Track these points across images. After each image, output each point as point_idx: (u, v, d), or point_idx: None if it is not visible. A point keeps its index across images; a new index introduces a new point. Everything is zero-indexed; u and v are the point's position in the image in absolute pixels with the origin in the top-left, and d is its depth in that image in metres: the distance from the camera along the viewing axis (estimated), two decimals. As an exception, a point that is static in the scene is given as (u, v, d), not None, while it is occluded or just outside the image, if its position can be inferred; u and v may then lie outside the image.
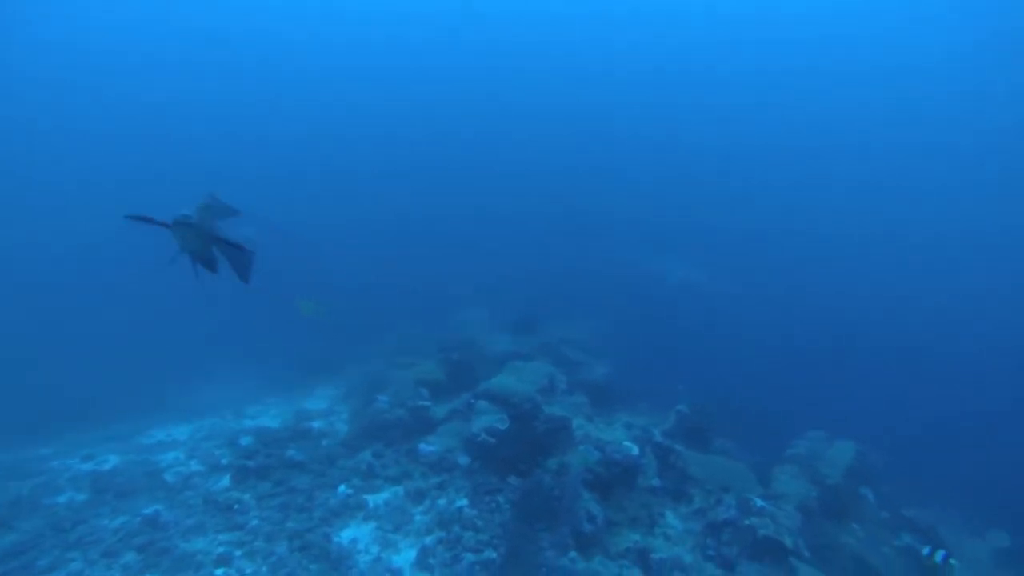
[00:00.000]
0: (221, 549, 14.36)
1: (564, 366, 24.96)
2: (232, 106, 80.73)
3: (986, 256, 56.93)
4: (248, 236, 9.38)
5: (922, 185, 72.42)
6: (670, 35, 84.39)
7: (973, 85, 72.60)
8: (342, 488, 17.19)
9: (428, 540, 14.98)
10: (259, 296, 28.85)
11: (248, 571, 13.70)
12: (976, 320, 43.35)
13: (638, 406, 24.38)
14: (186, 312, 32.59)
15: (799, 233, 61.20)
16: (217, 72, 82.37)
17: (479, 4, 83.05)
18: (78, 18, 73.33)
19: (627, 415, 23.21)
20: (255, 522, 15.53)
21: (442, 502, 16.59)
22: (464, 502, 16.45)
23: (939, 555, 14.00)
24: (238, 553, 14.26)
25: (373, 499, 16.84)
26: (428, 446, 18.85)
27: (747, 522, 14.87)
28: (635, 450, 17.48)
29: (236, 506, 16.25)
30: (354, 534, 15.31)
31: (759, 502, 15.52)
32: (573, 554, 13.88)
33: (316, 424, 22.57)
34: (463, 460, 18.16)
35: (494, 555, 14.31)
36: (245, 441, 20.34)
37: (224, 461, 19.09)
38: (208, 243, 9.03)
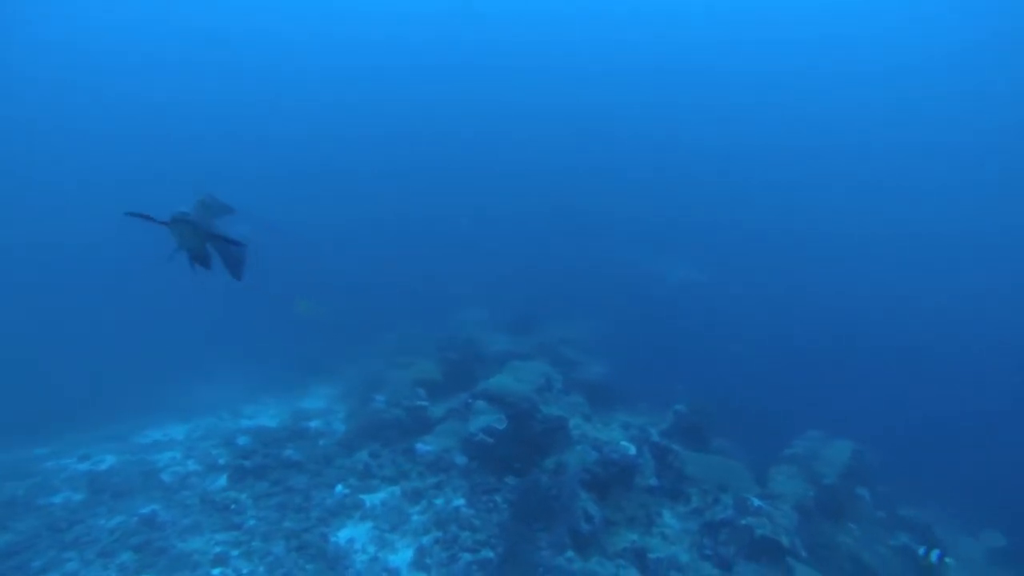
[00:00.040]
0: (218, 549, 14.36)
1: (562, 366, 24.86)
2: (231, 106, 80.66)
3: (986, 256, 56.80)
4: (243, 234, 9.40)
5: (922, 185, 72.26)
6: (670, 34, 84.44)
7: (973, 85, 72.64)
8: (339, 488, 17.20)
9: (425, 540, 14.98)
10: (257, 295, 28.93)
11: (245, 571, 13.70)
12: (976, 320, 43.29)
13: (636, 406, 24.38)
14: (183, 311, 32.62)
15: (799, 233, 61.07)
16: (216, 72, 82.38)
17: (479, 3, 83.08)
18: (78, 18, 73.38)
19: (625, 415, 23.21)
20: (252, 522, 15.53)
21: (439, 502, 16.58)
22: (461, 502, 16.46)
23: (934, 555, 14.06)
24: (235, 553, 14.27)
25: (370, 499, 16.83)
26: (425, 446, 18.83)
27: (744, 522, 14.86)
28: (632, 450, 17.48)
29: (233, 506, 16.26)
30: (351, 534, 15.30)
31: (756, 502, 15.50)
32: (570, 554, 13.86)
33: (313, 424, 22.57)
34: (460, 460, 18.14)
35: (491, 555, 14.30)
36: (242, 441, 20.33)
37: (221, 461, 19.08)
38: (205, 240, 9.05)
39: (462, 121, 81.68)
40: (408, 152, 76.54)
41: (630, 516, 16.03)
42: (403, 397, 21.21)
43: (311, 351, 30.48)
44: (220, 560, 13.95)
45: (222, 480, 17.83)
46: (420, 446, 18.85)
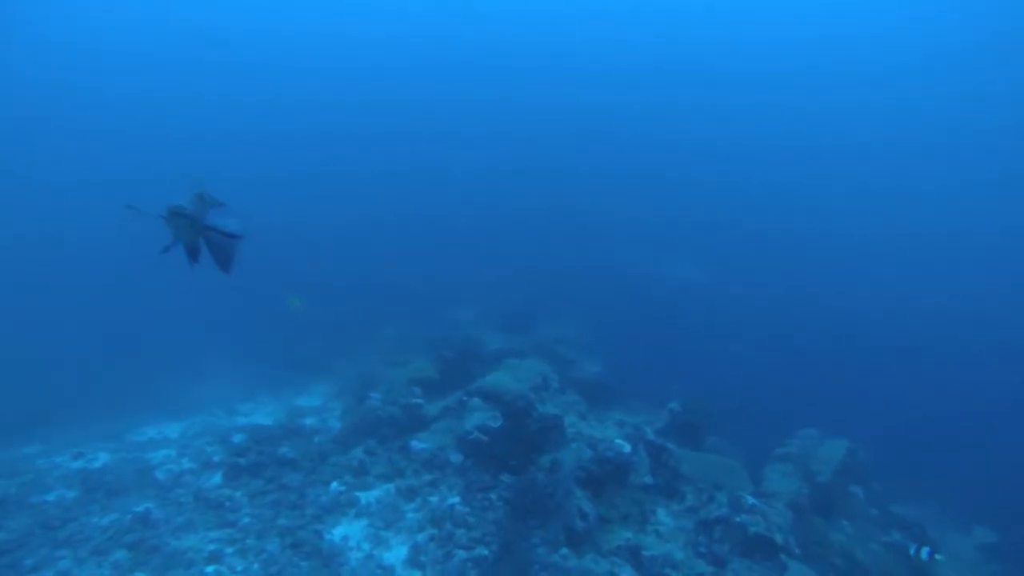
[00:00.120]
0: (212, 546, 14.35)
1: (558, 364, 24.89)
2: (230, 105, 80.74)
3: (986, 256, 56.74)
4: (233, 228, 9.41)
5: (922, 185, 72.20)
6: (670, 34, 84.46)
7: (973, 85, 72.60)
8: (334, 485, 17.22)
9: (420, 537, 15.00)
10: (253, 294, 28.91)
11: (239, 568, 13.70)
12: (975, 320, 43.25)
13: (632, 404, 24.39)
14: (180, 309, 32.62)
15: (799, 233, 61.04)
16: (215, 71, 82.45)
17: (479, 3, 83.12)
18: (78, 18, 73.43)
19: (620, 413, 23.23)
20: (246, 519, 15.52)
21: (434, 499, 16.59)
22: (456, 499, 16.47)
23: (924, 552, 14.08)
24: (229, 550, 14.26)
25: (365, 496, 16.84)
26: (420, 443, 18.83)
27: (738, 519, 14.87)
28: (627, 448, 17.45)
29: (227, 503, 16.25)
30: (346, 531, 15.31)
31: (750, 500, 15.51)
32: (565, 551, 13.83)
33: (309, 421, 22.61)
34: (455, 458, 18.14)
35: (486, 552, 14.32)
36: (237, 438, 20.34)
37: (216, 458, 19.08)
38: (200, 233, 9.08)
39: (461, 121, 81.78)
40: (406, 151, 76.60)
41: (625, 514, 16.00)
42: (399, 395, 21.20)
43: (307, 349, 30.46)
44: (214, 558, 13.94)
45: (217, 478, 17.82)
46: (415, 444, 18.85)
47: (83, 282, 37.80)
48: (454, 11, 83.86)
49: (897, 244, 59.22)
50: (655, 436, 19.14)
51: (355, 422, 20.65)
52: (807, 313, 40.73)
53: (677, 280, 41.62)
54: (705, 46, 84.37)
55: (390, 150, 76.83)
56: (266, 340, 30.64)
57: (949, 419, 27.39)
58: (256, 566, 13.73)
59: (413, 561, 14.19)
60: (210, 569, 13.54)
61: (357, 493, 16.92)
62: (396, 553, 14.52)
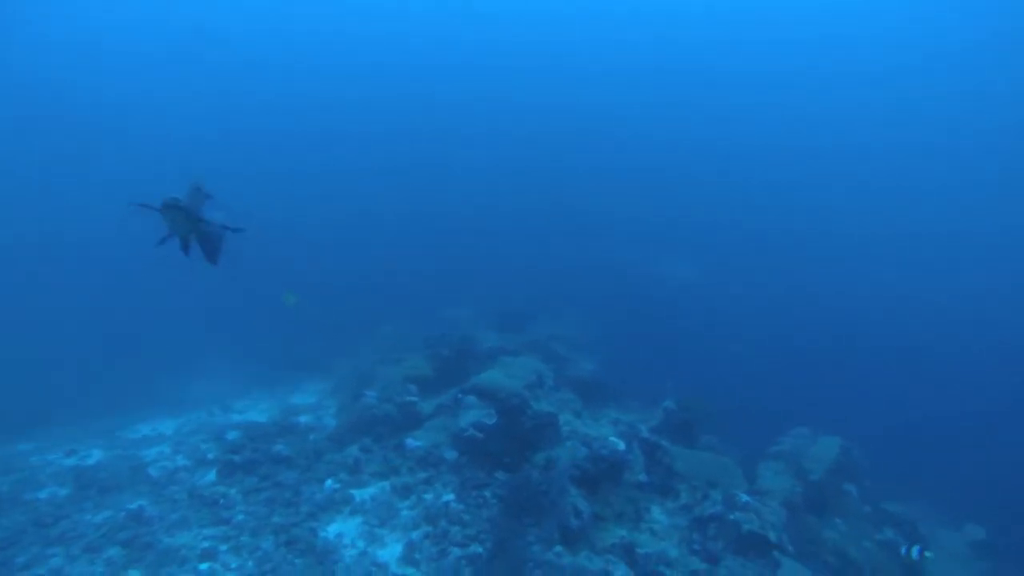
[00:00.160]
0: (206, 544, 14.31)
1: (553, 362, 24.95)
2: (229, 104, 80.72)
3: (986, 256, 56.77)
4: (220, 221, 9.46)
5: (922, 185, 72.27)
6: (670, 34, 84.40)
7: (973, 85, 72.57)
8: (329, 483, 17.18)
9: (415, 535, 14.94)
10: (250, 292, 28.89)
11: (233, 566, 13.65)
12: (975, 320, 43.28)
13: (627, 402, 24.39)
14: (176, 308, 32.65)
15: (799, 233, 61.11)
16: (214, 70, 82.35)
17: (479, 2, 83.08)
18: (78, 18, 73.37)
19: (615, 411, 23.24)
20: (241, 517, 15.48)
21: (429, 497, 16.55)
22: (451, 497, 16.43)
23: (915, 551, 14.10)
24: (223, 547, 14.22)
25: (360, 494, 16.79)
26: (415, 441, 18.81)
27: (732, 517, 14.84)
28: (622, 446, 17.43)
29: (222, 501, 16.22)
30: (340, 529, 15.25)
31: (744, 497, 15.49)
32: (559, 549, 13.78)
33: (304, 419, 22.63)
34: (450, 455, 18.12)
35: (480, 550, 14.28)
36: (232, 436, 20.37)
37: (210, 456, 19.10)
38: (196, 226, 9.15)
39: (460, 120, 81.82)
40: (406, 151, 76.64)
41: (619, 512, 15.96)
42: (394, 393, 21.22)
43: (304, 347, 30.50)
44: (208, 555, 13.89)
45: (211, 475, 17.82)
46: (410, 441, 18.82)
47: (81, 281, 37.89)
48: (454, 10, 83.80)
49: (897, 244, 59.35)
50: (650, 434, 19.12)
51: (350, 420, 20.65)
52: (807, 313, 40.79)
53: (675, 280, 41.68)
54: (705, 46, 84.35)
55: (389, 149, 76.95)
56: (262, 338, 30.71)
57: (948, 419, 27.43)
58: (250, 563, 13.68)
59: (408, 559, 14.13)
60: (204, 566, 13.49)
61: (352, 491, 16.87)
62: (391, 551, 14.46)
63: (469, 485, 16.85)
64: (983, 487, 20.87)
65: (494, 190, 66.75)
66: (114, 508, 15.64)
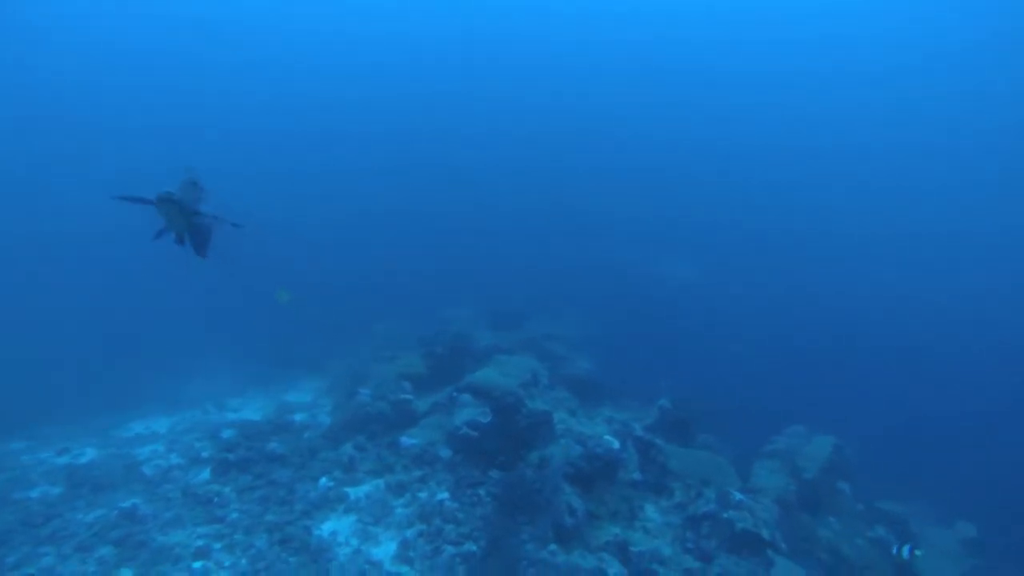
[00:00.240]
0: (200, 542, 14.30)
1: (548, 361, 24.90)
2: (228, 103, 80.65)
3: (986, 256, 56.73)
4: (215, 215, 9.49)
5: (922, 185, 72.22)
6: (670, 34, 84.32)
7: (973, 85, 72.51)
8: (323, 481, 17.18)
9: (409, 533, 14.95)
10: (246, 291, 28.83)
11: (227, 564, 13.64)
12: (975, 320, 43.25)
13: (622, 401, 24.38)
14: (172, 307, 32.62)
15: (799, 233, 61.09)
16: (210, 69, 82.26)
17: (478, 2, 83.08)
18: (76, 17, 73.36)
19: (610, 410, 23.20)
20: (235, 515, 15.49)
21: (423, 495, 16.54)
22: (445, 495, 16.41)
23: (905, 550, 14.12)
24: (217, 546, 14.22)
25: (354, 492, 16.79)
26: (410, 439, 18.80)
27: (726, 515, 14.82)
28: (616, 444, 17.44)
29: (216, 499, 16.23)
30: (334, 527, 15.26)
31: (738, 496, 15.47)
32: (553, 547, 13.76)
33: (298, 417, 22.64)
34: (445, 453, 18.11)
35: (474, 548, 14.27)
36: (226, 434, 20.39)
37: (205, 454, 19.10)
38: (191, 220, 9.17)
39: (460, 120, 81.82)
40: (405, 150, 76.69)
41: (613, 510, 15.95)
42: (388, 391, 21.23)
43: (299, 346, 30.48)
44: (202, 553, 13.87)
45: (205, 473, 17.82)
46: (405, 439, 18.82)
47: (77, 280, 37.83)
48: (453, 10, 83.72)
49: (897, 244, 59.26)
50: (644, 432, 19.12)
51: (345, 418, 20.68)
52: (807, 313, 40.75)
53: (673, 279, 41.66)
54: (705, 46, 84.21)
55: (389, 149, 76.97)
56: (258, 337, 30.69)
57: (947, 419, 27.39)
58: (244, 561, 13.68)
59: (402, 556, 14.13)
60: (197, 565, 13.47)
61: (346, 489, 16.88)
62: (385, 548, 14.46)
63: (463, 483, 16.85)
64: (982, 487, 20.85)
65: (493, 190, 66.80)
66: (107, 507, 15.62)
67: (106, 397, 23.76)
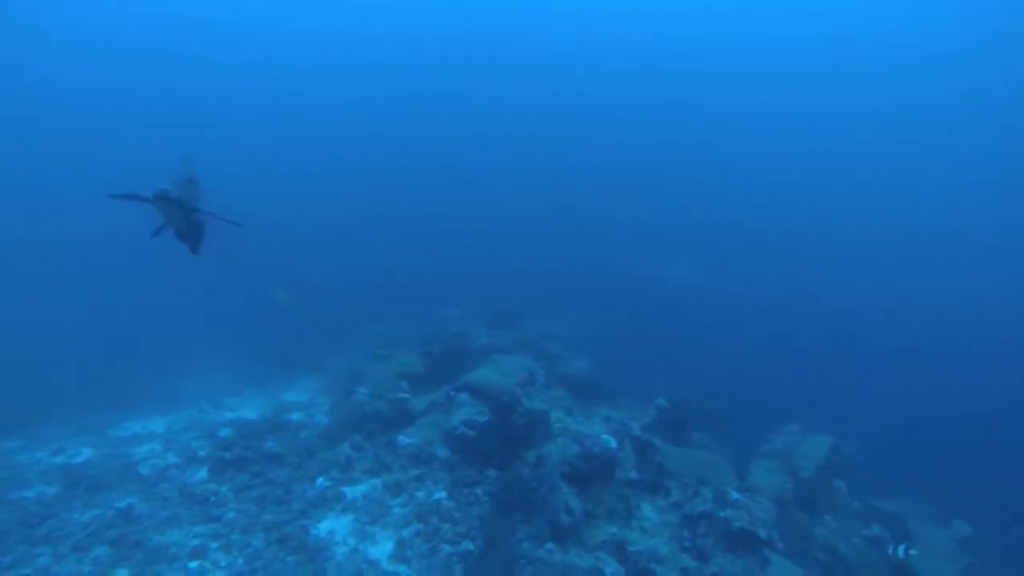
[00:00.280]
0: (196, 541, 14.24)
1: (545, 360, 24.96)
2: (227, 102, 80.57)
3: (986, 256, 56.73)
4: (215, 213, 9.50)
5: (922, 185, 72.24)
6: (670, 34, 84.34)
7: (973, 85, 72.52)
8: (320, 480, 17.15)
9: (406, 532, 14.91)
10: (244, 290, 28.78)
11: (223, 563, 13.59)
12: (976, 320, 43.25)
13: (619, 400, 24.34)
14: (169, 306, 32.60)
15: (799, 233, 61.10)
16: (210, 69, 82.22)
17: (477, 1, 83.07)
18: (75, 16, 73.36)
19: (608, 409, 23.14)
20: (232, 514, 15.44)
21: (420, 494, 16.50)
22: (442, 494, 16.38)
23: (901, 550, 14.15)
24: (214, 545, 14.16)
25: (351, 491, 16.76)
26: (407, 438, 18.78)
27: (723, 514, 14.82)
28: (613, 443, 17.44)
29: (213, 498, 16.18)
30: (332, 526, 15.22)
31: (735, 495, 15.48)
32: (550, 546, 13.74)
33: (296, 416, 22.60)
34: (442, 452, 18.09)
35: (471, 547, 14.24)
36: (224, 433, 20.37)
37: (202, 453, 19.06)
38: (189, 217, 9.17)
39: (459, 120, 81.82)
40: (403, 150, 76.71)
41: (610, 509, 15.93)
42: (386, 390, 21.24)
43: (296, 345, 30.45)
44: (198, 553, 13.82)
45: (202, 472, 17.78)
46: (402, 439, 18.80)
47: (76, 280, 37.79)
48: (453, 10, 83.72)
49: (897, 244, 59.25)
50: (641, 432, 19.11)
51: (342, 417, 20.65)
52: (806, 313, 40.73)
53: (671, 279, 41.65)
54: (705, 46, 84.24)
55: (389, 148, 76.95)
56: (255, 336, 30.65)
57: (947, 418, 27.40)
58: (240, 561, 13.63)
59: (399, 556, 14.10)
60: (194, 564, 13.43)
61: (343, 488, 16.85)
62: (382, 548, 14.43)
63: (461, 483, 16.81)
64: (981, 486, 20.86)
65: (492, 189, 66.82)
66: (103, 506, 15.56)
67: (102, 396, 23.68)
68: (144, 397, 24.26)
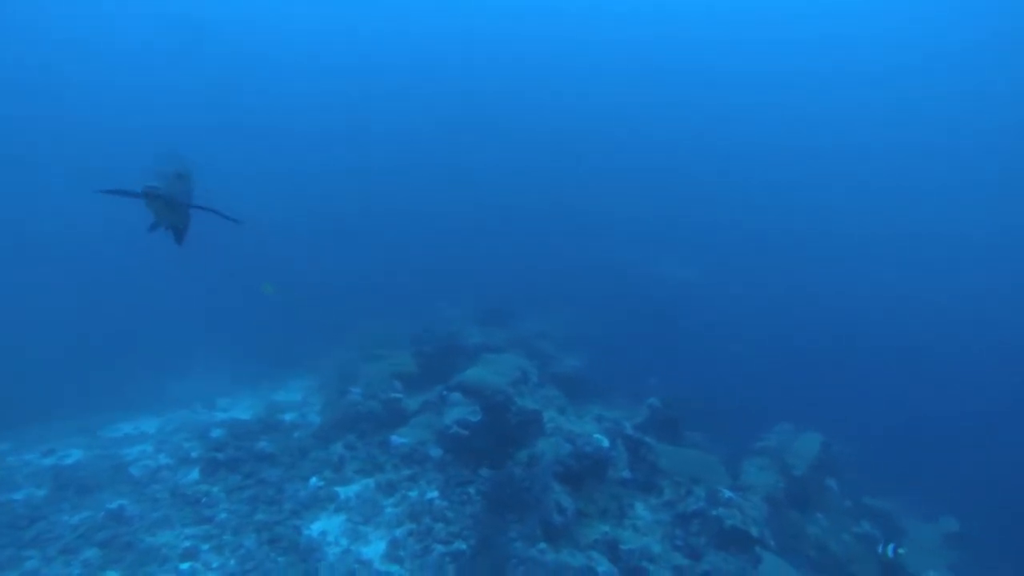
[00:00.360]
0: (187, 543, 14.21)
1: (538, 359, 24.93)
2: (225, 101, 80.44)
3: (986, 256, 56.72)
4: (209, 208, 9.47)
5: (922, 185, 72.22)
6: (670, 34, 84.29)
7: (973, 85, 72.42)
8: (313, 480, 17.13)
9: (398, 532, 14.92)
10: (235, 289, 28.70)
11: (215, 565, 13.57)
12: (976, 320, 43.26)
13: (611, 400, 24.32)
14: (162, 306, 32.56)
15: (799, 233, 61.09)
16: (205, 66, 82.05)
17: (476, 1, 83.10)
18: (73, 15, 73.43)
19: (600, 408, 23.13)
20: (223, 515, 15.40)
21: (413, 494, 16.51)
22: (435, 494, 16.38)
23: (890, 549, 14.16)
24: (205, 546, 14.13)
25: (344, 491, 16.75)
26: (400, 438, 18.74)
27: (715, 513, 14.85)
28: (606, 442, 17.43)
29: (204, 499, 16.14)
30: (324, 526, 15.22)
31: (727, 493, 15.50)
32: (543, 545, 13.72)
33: (288, 416, 22.56)
34: (435, 452, 18.06)
35: (464, 547, 14.25)
36: (216, 434, 20.31)
37: (194, 454, 19.01)
38: (181, 212, 9.16)
39: (459, 119, 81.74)
40: (404, 149, 76.69)
41: (603, 508, 15.93)
42: (379, 389, 21.19)
43: (289, 344, 30.40)
44: (189, 554, 13.78)
45: (194, 473, 17.73)
46: (395, 438, 18.77)
47: (74, 280, 37.72)
48: (452, 9, 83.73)
49: (897, 244, 59.25)
50: (634, 431, 19.10)
51: (335, 417, 20.62)
52: (806, 313, 40.73)
53: (672, 279, 41.63)
54: (705, 46, 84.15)
55: (388, 149, 76.99)
56: (248, 335, 30.60)
57: (947, 418, 27.42)
58: (232, 562, 13.61)
59: (391, 556, 14.10)
60: (185, 566, 13.40)
61: (336, 488, 16.83)
62: (374, 548, 14.43)
63: (453, 482, 16.82)
64: (981, 486, 20.85)
65: (492, 189, 66.78)
66: (93, 508, 15.50)
67: (94, 397, 23.60)
68: (136, 398, 24.19)
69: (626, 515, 15.87)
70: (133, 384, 24.96)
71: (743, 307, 39.58)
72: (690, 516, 15.20)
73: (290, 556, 13.85)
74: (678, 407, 21.11)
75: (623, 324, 32.03)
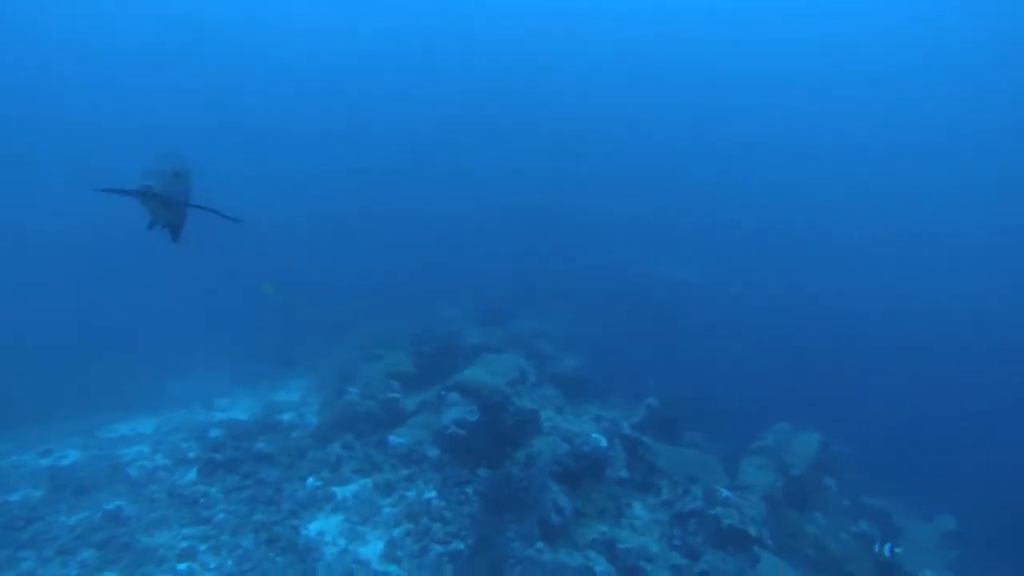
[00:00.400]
0: (185, 543, 14.19)
1: (535, 359, 25.02)
2: (225, 101, 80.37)
3: (986, 256, 56.66)
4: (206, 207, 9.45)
5: (922, 185, 72.12)
6: (670, 34, 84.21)
7: (973, 85, 72.36)
8: (311, 480, 17.14)
9: (396, 532, 14.93)
10: (235, 289, 28.67)
11: (212, 565, 13.57)
12: (976, 320, 43.22)
13: (609, 399, 24.36)
14: (161, 306, 32.54)
15: (799, 233, 61.01)
16: (205, 66, 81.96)
17: (478, 1, 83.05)
18: (72, 14, 73.40)
19: (598, 408, 23.16)
20: (221, 515, 15.39)
21: (411, 494, 16.51)
22: (433, 494, 16.38)
23: (887, 549, 14.18)
24: (203, 547, 14.12)
25: (342, 491, 16.76)
26: (398, 438, 18.76)
27: (713, 512, 14.84)
28: (603, 442, 17.43)
29: (202, 500, 16.13)
30: (322, 526, 15.22)
31: (725, 493, 15.48)
32: (540, 545, 13.71)
33: (286, 416, 22.58)
34: (433, 452, 18.07)
35: (462, 546, 14.24)
36: (214, 434, 20.30)
37: (191, 454, 19.00)
38: (178, 210, 9.15)
39: (458, 119, 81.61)
40: (402, 150, 76.62)
41: (600, 508, 15.96)
42: (377, 389, 21.21)
43: (286, 344, 30.40)
44: (187, 555, 13.77)
45: (191, 474, 17.73)
46: (393, 438, 18.77)
47: (72, 280, 37.69)
48: (451, 8, 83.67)
49: (897, 244, 59.18)
50: (632, 431, 19.13)
51: (333, 417, 20.65)
52: (806, 313, 40.70)
53: (668, 279, 41.61)
54: (705, 46, 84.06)
55: (388, 148, 76.87)
56: (247, 336, 30.60)
57: (947, 418, 27.42)
58: (230, 562, 13.61)
59: (389, 556, 14.11)
60: (182, 566, 13.39)
61: (334, 488, 16.85)
62: (372, 548, 14.44)
63: (451, 482, 16.82)
64: (981, 486, 20.85)
65: (492, 189, 66.68)
66: (90, 509, 15.48)
67: (94, 397, 23.62)
68: (134, 398, 24.16)
69: (624, 515, 15.89)
70: (133, 384, 24.93)
71: (743, 307, 39.54)
72: (688, 515, 15.20)
73: (288, 556, 13.85)
74: (676, 407, 21.14)
75: (622, 324, 32.01)
